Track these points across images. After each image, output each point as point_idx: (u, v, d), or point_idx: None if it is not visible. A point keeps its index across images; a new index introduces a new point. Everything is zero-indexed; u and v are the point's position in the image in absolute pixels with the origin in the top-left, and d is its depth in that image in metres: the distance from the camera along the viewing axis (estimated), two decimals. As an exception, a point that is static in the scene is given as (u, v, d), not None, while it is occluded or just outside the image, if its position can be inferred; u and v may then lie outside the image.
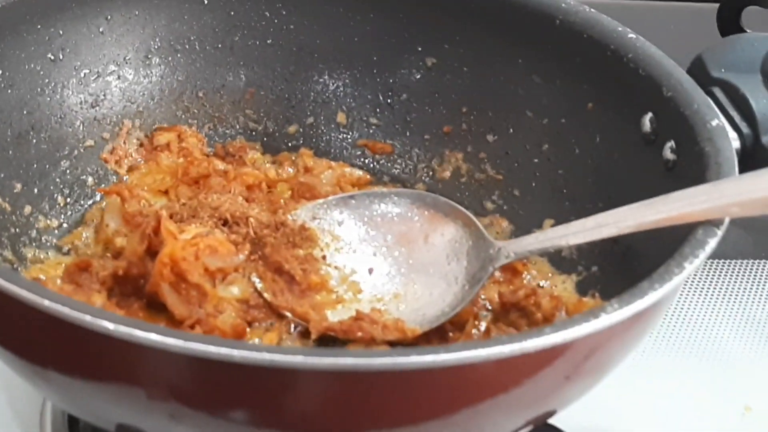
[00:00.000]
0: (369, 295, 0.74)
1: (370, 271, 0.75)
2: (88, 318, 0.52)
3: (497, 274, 0.77)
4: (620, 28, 0.79)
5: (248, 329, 0.70)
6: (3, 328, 0.59)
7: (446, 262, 0.75)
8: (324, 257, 0.75)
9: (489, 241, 0.74)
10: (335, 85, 0.89)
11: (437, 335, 0.72)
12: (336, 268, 0.75)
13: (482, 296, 0.75)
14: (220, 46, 0.87)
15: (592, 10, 0.81)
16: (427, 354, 0.53)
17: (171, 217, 0.73)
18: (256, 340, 0.70)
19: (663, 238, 0.65)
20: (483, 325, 0.73)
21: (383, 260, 0.76)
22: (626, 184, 0.76)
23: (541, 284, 0.77)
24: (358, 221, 0.78)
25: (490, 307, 0.75)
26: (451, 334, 0.72)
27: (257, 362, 0.52)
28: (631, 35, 0.78)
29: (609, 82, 0.78)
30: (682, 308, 0.90)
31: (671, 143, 0.73)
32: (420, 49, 0.87)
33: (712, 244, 0.62)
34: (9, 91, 0.77)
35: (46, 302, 0.53)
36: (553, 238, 0.71)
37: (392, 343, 0.69)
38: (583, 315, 0.56)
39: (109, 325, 0.52)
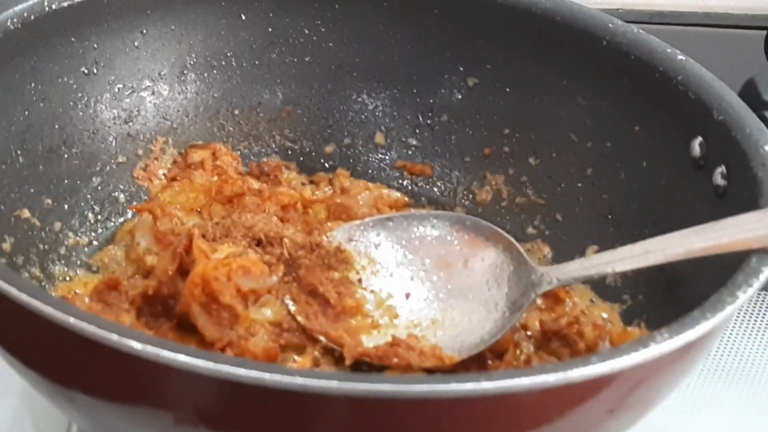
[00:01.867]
0: (405, 320, 0.72)
1: (407, 295, 0.73)
2: (114, 337, 0.50)
3: (538, 301, 0.74)
4: (669, 50, 0.76)
5: (281, 353, 0.68)
6: (28, 347, 0.57)
7: (486, 288, 0.72)
8: (360, 280, 0.73)
9: (531, 266, 0.71)
10: (374, 104, 0.87)
11: (476, 364, 0.70)
12: (372, 291, 0.73)
13: (523, 324, 0.72)
14: (256, 62, 0.85)
15: (641, 30, 0.78)
16: (467, 382, 0.50)
17: (203, 236, 0.71)
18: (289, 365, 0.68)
19: (711, 267, 0.63)
20: (523, 355, 0.71)
21: (421, 285, 0.74)
22: (674, 210, 0.74)
23: (584, 312, 0.74)
24: (396, 244, 0.75)
25: (530, 335, 0.72)
26: (490, 362, 0.70)
27: (290, 386, 0.49)
28: (680, 57, 0.75)
29: (657, 104, 0.76)
30: (729, 340, 0.86)
31: (722, 168, 0.70)
32: (461, 68, 0.85)
33: (766, 272, 0.59)
34: (41, 104, 0.76)
35: (72, 320, 0.51)
36: (598, 265, 0.69)
37: (429, 371, 0.67)
38: (631, 344, 0.54)
39: (137, 345, 0.50)
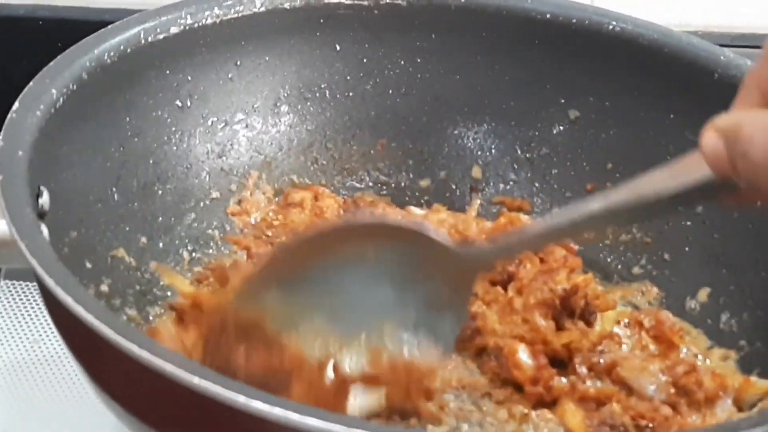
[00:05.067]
0: None
1: None
2: (242, 399, 0.48)
3: (651, 347, 0.71)
4: (785, 84, 0.73)
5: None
6: (137, 398, 0.55)
7: None
8: None
9: None
10: (471, 137, 0.84)
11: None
12: None
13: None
14: (351, 94, 0.83)
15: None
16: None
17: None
18: None
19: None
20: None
21: None
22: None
23: (700, 359, 0.72)
24: None
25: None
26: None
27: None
28: (799, 92, 0.72)
29: (774, 141, 0.73)
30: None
31: None
32: (562, 100, 0.82)
33: None
34: (136, 139, 0.74)
35: (196, 380, 0.49)
36: None
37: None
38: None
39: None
